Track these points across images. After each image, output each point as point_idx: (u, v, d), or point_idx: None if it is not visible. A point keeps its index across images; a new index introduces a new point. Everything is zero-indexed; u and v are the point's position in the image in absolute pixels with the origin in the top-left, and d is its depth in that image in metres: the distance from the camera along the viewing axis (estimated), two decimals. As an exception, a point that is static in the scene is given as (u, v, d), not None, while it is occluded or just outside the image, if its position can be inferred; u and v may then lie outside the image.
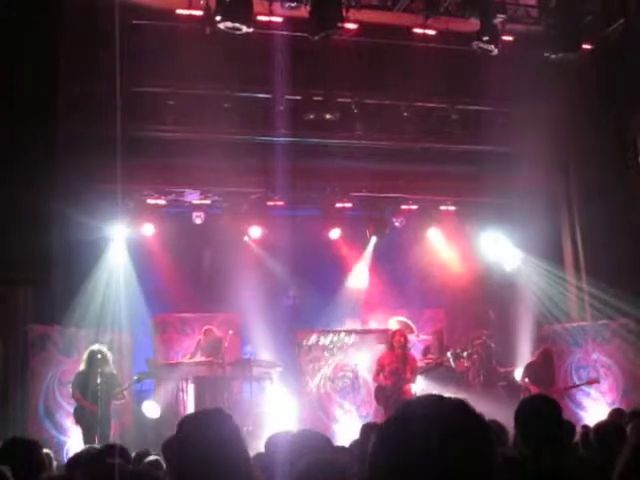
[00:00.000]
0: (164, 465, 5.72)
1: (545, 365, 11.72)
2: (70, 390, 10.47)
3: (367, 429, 5.30)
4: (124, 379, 10.79)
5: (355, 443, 5.10)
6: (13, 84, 10.08)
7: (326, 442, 3.71)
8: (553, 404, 4.17)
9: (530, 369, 11.72)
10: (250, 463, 2.53)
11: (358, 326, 13.84)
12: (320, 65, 11.92)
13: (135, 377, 11.14)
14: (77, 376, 10.32)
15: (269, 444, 3.64)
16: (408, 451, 1.57)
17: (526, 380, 11.69)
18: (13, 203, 10.06)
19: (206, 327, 12.60)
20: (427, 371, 11.96)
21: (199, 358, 12.02)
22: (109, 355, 10.48)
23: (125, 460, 4.58)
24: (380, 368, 11.35)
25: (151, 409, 11.64)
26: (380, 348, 12.13)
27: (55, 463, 6.98)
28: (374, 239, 15.08)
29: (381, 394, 11.21)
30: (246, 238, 14.54)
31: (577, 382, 12.49)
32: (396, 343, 11.38)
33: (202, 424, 2.44)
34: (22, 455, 4.07)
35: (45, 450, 4.90)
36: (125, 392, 10.54)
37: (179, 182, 13.68)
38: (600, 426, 5.34)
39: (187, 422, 2.50)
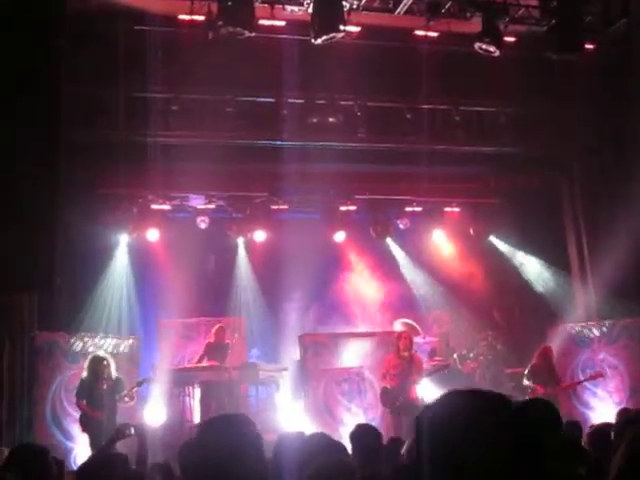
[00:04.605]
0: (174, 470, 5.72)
1: (546, 365, 11.63)
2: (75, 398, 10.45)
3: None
4: (129, 384, 10.76)
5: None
6: (15, 91, 10.13)
7: (337, 445, 3.70)
8: (549, 405, 4.28)
9: (532, 372, 11.63)
10: (267, 473, 2.50)
11: (364, 328, 13.82)
12: (323, 68, 11.92)
13: (140, 379, 11.12)
14: (81, 384, 10.29)
15: (279, 445, 3.62)
16: (456, 446, 1.55)
17: (531, 382, 11.63)
18: (17, 211, 10.12)
19: (218, 325, 12.54)
20: (433, 373, 11.92)
21: (205, 363, 11.99)
22: (111, 360, 10.47)
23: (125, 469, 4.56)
24: (386, 371, 11.32)
25: (155, 415, 11.63)
26: (386, 350, 12.09)
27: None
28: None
29: (387, 396, 11.17)
30: (241, 241, 14.56)
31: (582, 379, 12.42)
32: (402, 346, 11.33)
33: (225, 428, 2.42)
34: (31, 462, 4.06)
35: (55, 456, 4.89)
36: (130, 395, 10.50)
37: (183, 187, 13.71)
38: (606, 426, 5.34)
39: (210, 424, 2.48)
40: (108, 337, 11.93)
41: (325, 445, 3.55)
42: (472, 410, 1.59)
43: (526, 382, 11.67)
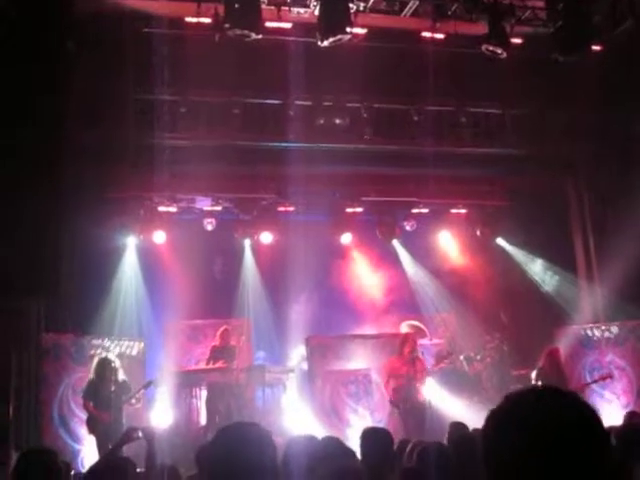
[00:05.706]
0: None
1: (554, 367, 11.56)
2: (82, 400, 10.47)
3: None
4: (136, 386, 10.78)
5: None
6: (21, 92, 10.14)
7: (346, 450, 3.69)
8: None
9: (541, 374, 11.56)
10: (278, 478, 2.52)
11: (370, 330, 13.81)
12: (329, 70, 11.92)
13: (147, 381, 11.15)
14: (88, 386, 10.31)
15: (289, 448, 3.63)
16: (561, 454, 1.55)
17: (539, 384, 11.58)
18: (22, 215, 10.12)
19: (223, 328, 12.56)
20: (440, 370, 11.94)
21: (212, 365, 12.00)
22: (118, 363, 10.50)
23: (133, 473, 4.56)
24: (390, 371, 11.34)
25: (162, 417, 11.64)
26: (392, 352, 12.09)
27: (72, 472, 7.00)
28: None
29: (397, 395, 11.17)
30: (248, 243, 14.57)
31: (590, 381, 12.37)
32: (406, 348, 11.39)
33: (239, 436, 2.44)
34: (40, 466, 4.06)
35: (63, 459, 4.90)
36: (137, 397, 10.52)
37: (190, 189, 13.71)
38: (619, 429, 5.29)
39: (225, 432, 2.49)
40: (115, 339, 11.96)
41: (334, 449, 3.54)
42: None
43: (534, 384, 11.62)
